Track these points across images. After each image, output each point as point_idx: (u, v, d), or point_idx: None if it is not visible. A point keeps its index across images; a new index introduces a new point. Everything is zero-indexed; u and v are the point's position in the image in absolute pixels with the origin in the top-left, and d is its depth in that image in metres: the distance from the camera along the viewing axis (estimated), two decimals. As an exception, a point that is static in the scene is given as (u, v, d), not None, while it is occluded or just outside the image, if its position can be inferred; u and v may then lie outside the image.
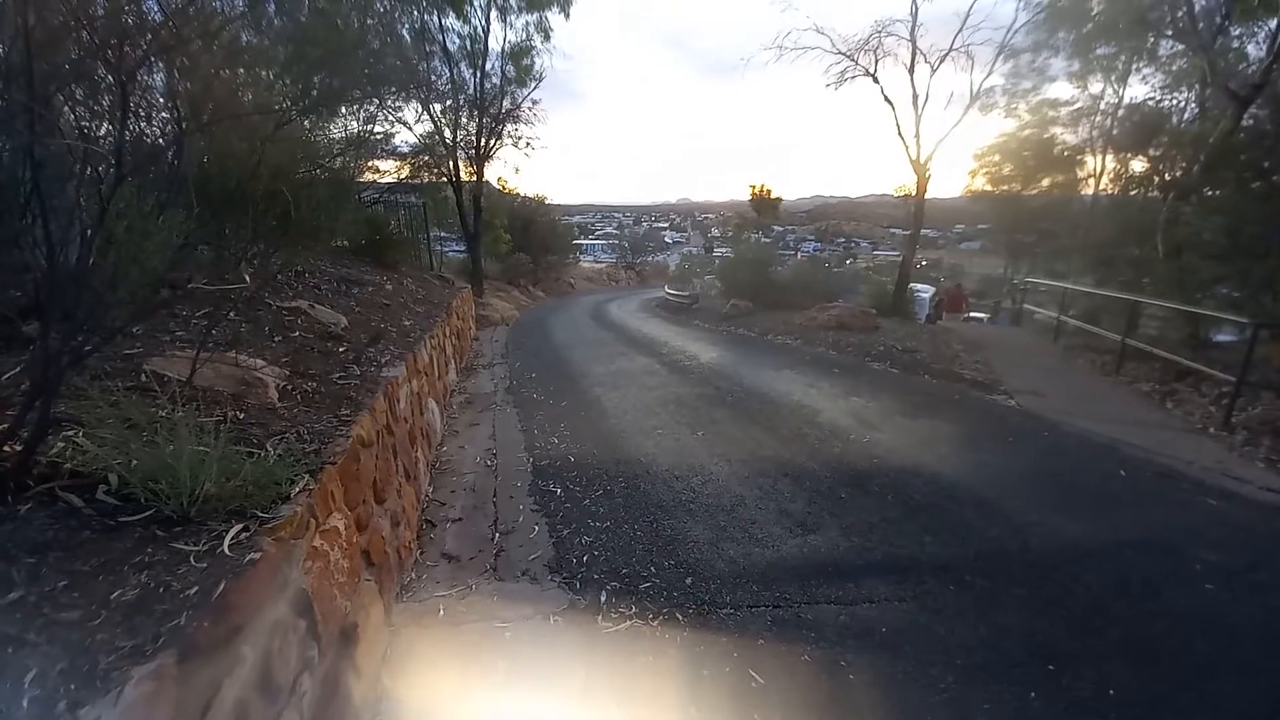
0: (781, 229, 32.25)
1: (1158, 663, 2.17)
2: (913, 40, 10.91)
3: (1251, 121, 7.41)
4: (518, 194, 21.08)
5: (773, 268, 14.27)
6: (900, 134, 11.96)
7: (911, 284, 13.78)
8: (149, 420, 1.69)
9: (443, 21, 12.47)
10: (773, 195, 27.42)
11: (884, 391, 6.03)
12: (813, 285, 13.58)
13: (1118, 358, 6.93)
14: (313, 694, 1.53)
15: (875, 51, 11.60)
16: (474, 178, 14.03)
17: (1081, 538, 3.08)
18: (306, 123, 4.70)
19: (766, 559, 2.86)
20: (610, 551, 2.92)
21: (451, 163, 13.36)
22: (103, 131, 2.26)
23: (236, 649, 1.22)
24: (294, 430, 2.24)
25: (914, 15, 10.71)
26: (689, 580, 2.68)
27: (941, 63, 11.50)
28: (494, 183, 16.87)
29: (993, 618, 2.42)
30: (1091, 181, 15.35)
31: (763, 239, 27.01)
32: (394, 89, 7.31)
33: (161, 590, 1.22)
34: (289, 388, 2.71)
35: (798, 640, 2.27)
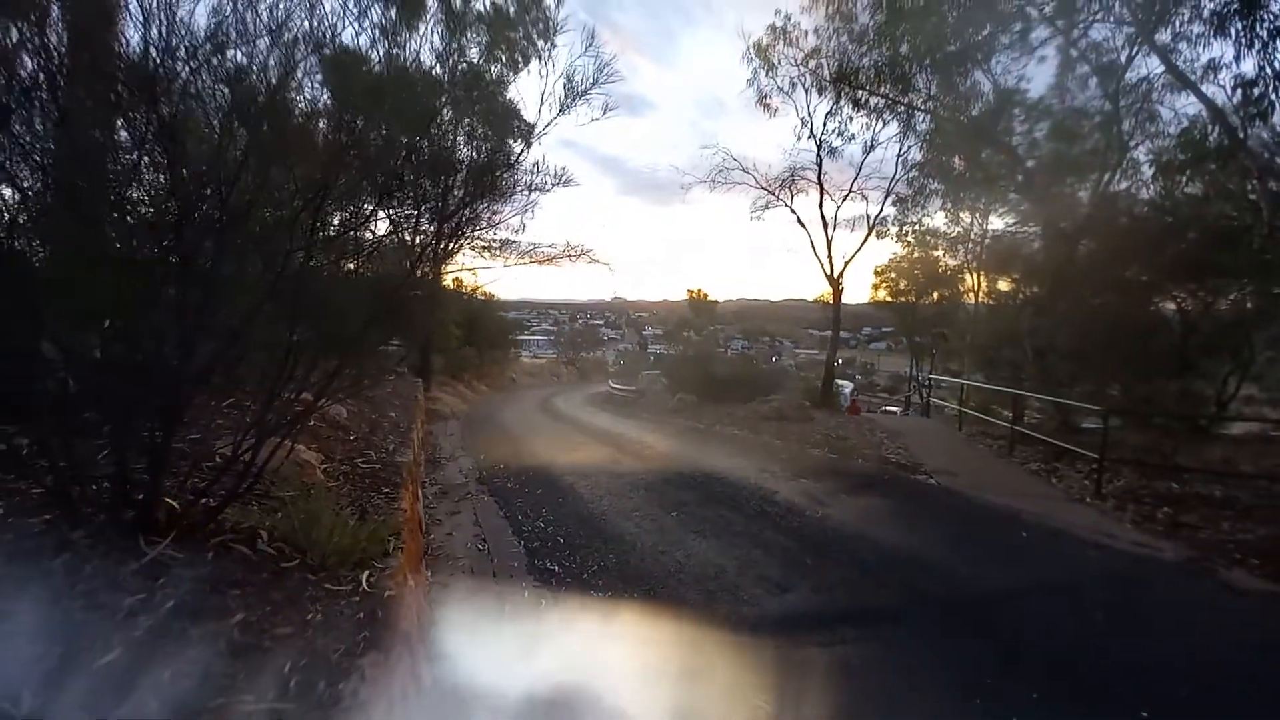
0: (713, 328, 34.69)
1: (1069, 673, 2.77)
2: (820, 183, 13.31)
3: (1085, 251, 9.57)
4: (466, 290, 21.73)
5: (713, 364, 15.42)
6: (816, 253, 14.00)
7: (835, 379, 15.32)
8: (271, 493, 2.00)
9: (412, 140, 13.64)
10: (708, 298, 29.86)
11: (826, 474, 6.76)
12: (750, 380, 14.77)
13: (1010, 442, 8.16)
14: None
15: (791, 187, 13.88)
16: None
17: (1001, 583, 3.76)
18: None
19: (754, 615, 3.27)
20: (618, 614, 3.22)
21: (408, 262, 13.92)
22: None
23: (397, 652, 1.54)
24: (357, 503, 2.54)
25: (819, 165, 13.19)
26: (691, 635, 3.03)
27: (845, 199, 13.91)
28: (447, 280, 17.49)
29: (940, 646, 2.96)
30: (971, 294, 18.23)
31: (695, 337, 29.01)
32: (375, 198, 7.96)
33: (340, 612, 1.54)
34: (329, 469, 3.00)
35: (800, 676, 2.67)
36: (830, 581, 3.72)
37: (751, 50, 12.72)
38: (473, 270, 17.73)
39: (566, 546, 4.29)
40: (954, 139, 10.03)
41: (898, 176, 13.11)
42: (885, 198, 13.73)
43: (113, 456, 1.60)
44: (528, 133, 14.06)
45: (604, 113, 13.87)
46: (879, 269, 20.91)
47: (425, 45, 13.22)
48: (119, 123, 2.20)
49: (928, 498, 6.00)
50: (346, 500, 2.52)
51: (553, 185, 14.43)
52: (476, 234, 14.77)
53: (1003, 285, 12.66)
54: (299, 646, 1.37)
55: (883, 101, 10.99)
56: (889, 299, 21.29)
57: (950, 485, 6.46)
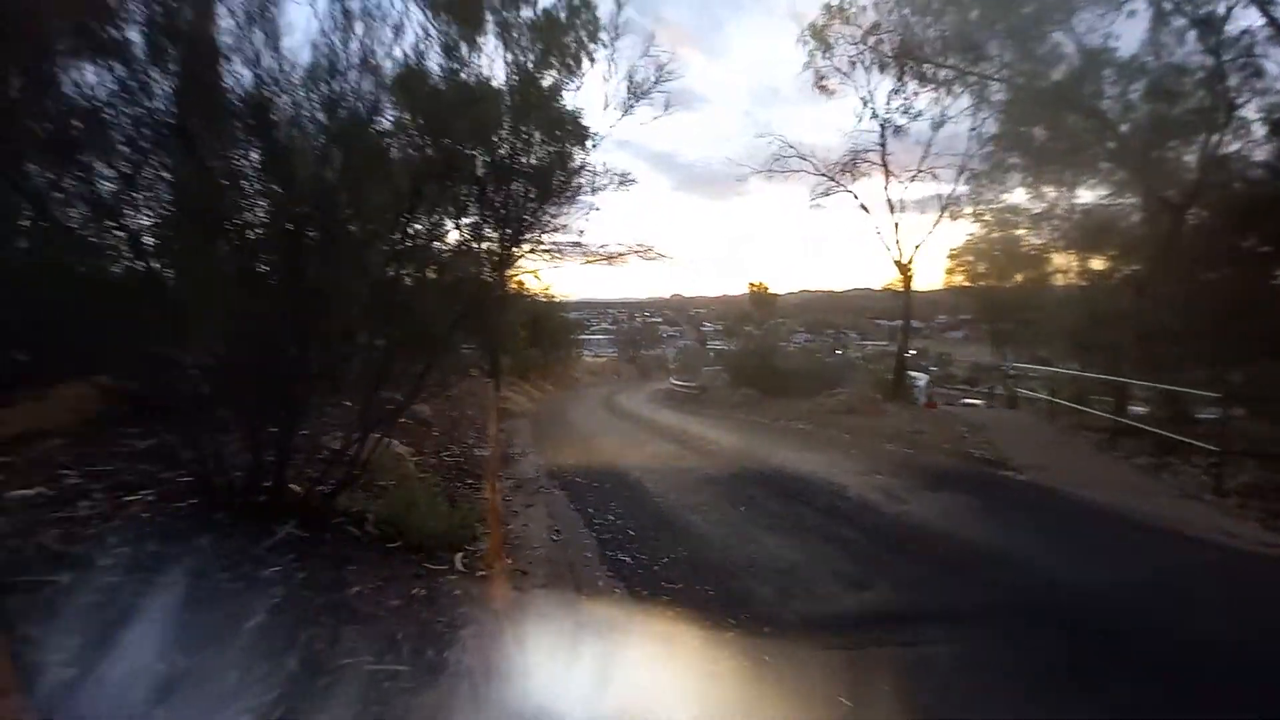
0: (774, 322, 33.96)
1: (1185, 684, 2.53)
2: (884, 165, 12.70)
3: (1193, 221, 8.62)
4: (530, 293, 22.40)
5: (776, 358, 15.14)
6: (881, 239, 13.41)
7: (908, 371, 14.62)
8: (372, 481, 2.20)
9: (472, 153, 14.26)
10: (768, 291, 29.25)
11: (902, 470, 6.49)
12: (814, 373, 14.38)
13: (1111, 434, 7.49)
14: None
15: (852, 172, 13.35)
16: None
17: (1104, 587, 3.48)
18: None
19: (831, 611, 3.21)
20: (691, 606, 3.25)
21: (484, 268, 14.58)
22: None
23: (491, 626, 1.66)
24: (445, 492, 2.72)
25: (883, 146, 12.59)
26: (766, 629, 3.01)
27: (913, 180, 13.23)
28: (513, 284, 18.16)
29: (1034, 652, 2.78)
30: (1060, 274, 16.81)
31: (755, 331, 28.45)
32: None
33: (440, 589, 1.68)
34: (419, 461, 3.22)
35: (883, 676, 2.60)
36: (911, 579, 3.58)
37: (807, 33, 12.36)
38: (535, 273, 18.27)
39: (637, 539, 4.36)
40: (1034, 107, 9.27)
41: (971, 153, 12.32)
42: (958, 176, 12.95)
43: (246, 449, 1.82)
44: (584, 137, 14.33)
45: (665, 109, 13.92)
46: (953, 252, 19.66)
47: (490, 58, 13.76)
48: (235, 153, 2.46)
49: (1018, 494, 5.62)
50: (436, 489, 2.70)
51: (614, 186, 14.66)
52: (540, 238, 15.23)
53: (1096, 263, 11.60)
54: (407, 616, 1.51)
55: (952, 73, 10.35)
56: (965, 283, 19.98)
57: (1043, 481, 6.02)
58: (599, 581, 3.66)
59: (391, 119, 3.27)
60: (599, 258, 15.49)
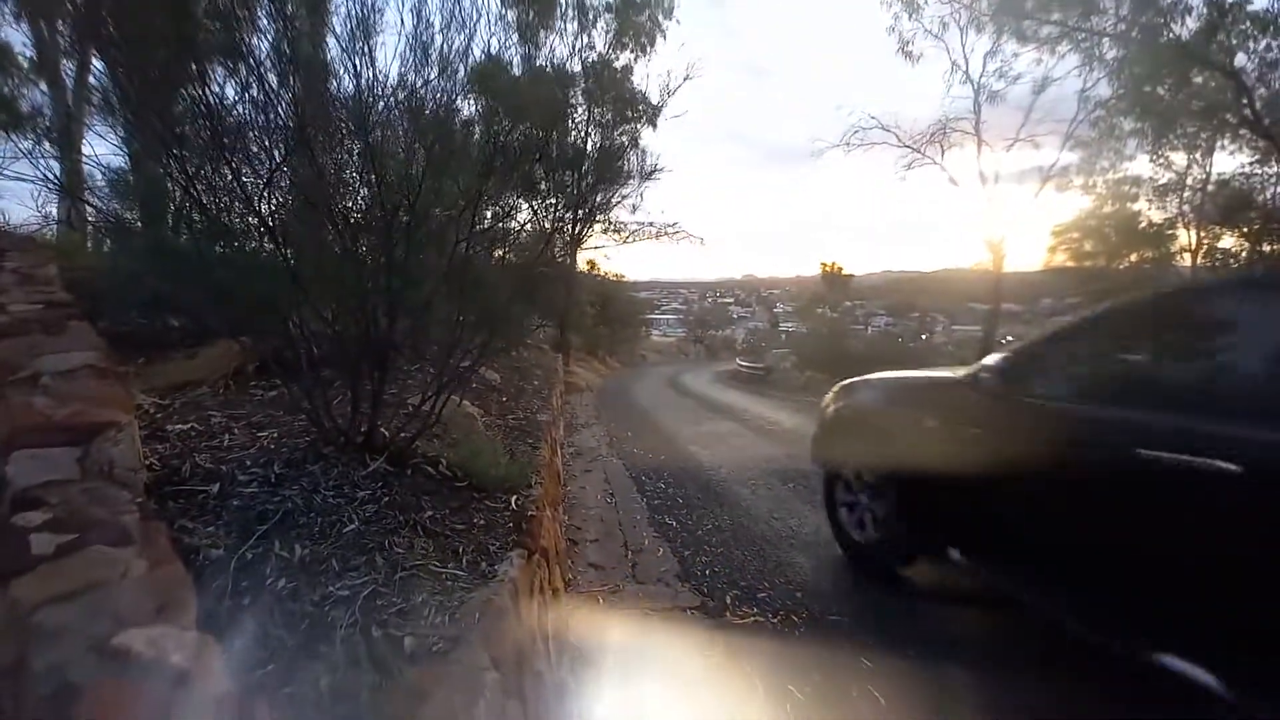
0: (850, 304, 32.51)
1: None
2: (978, 134, 11.78)
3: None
4: (599, 273, 22.99)
5: (848, 341, 14.71)
6: (971, 215, 12.53)
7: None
8: (446, 433, 2.58)
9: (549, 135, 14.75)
10: (844, 272, 28.11)
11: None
12: (889, 358, 13.82)
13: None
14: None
15: (941, 143, 12.51)
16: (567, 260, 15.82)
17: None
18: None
19: (877, 588, 3.31)
20: (729, 570, 3.48)
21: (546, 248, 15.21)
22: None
23: (537, 556, 1.97)
24: (509, 448, 3.09)
25: (977, 113, 11.65)
26: (799, 595, 3.18)
27: (1011, 148, 12.20)
28: (581, 263, 18.75)
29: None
30: (1185, 254, 14.96)
31: (829, 313, 27.42)
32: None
33: (496, 521, 2.01)
34: (486, 421, 3.62)
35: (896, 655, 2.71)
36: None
37: (893, -7, 11.61)
38: (601, 250, 18.78)
39: (685, 506, 4.63)
40: (1155, 66, 8.24)
41: (1079, 118, 11.16)
42: (1063, 143, 11.81)
43: (347, 401, 2.24)
44: (653, 115, 14.41)
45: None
46: (1058, 229, 17.93)
47: (565, 42, 14.10)
48: (340, 151, 2.87)
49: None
50: (500, 444, 3.08)
51: (668, 168, 14.80)
52: (603, 218, 15.62)
53: (1228, 241, 10.25)
54: (468, 538, 1.85)
55: (1057, 30, 9.37)
56: (1071, 263, 18.20)
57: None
58: (645, 540, 3.97)
59: (470, 110, 3.63)
60: (650, 236, 15.72)
